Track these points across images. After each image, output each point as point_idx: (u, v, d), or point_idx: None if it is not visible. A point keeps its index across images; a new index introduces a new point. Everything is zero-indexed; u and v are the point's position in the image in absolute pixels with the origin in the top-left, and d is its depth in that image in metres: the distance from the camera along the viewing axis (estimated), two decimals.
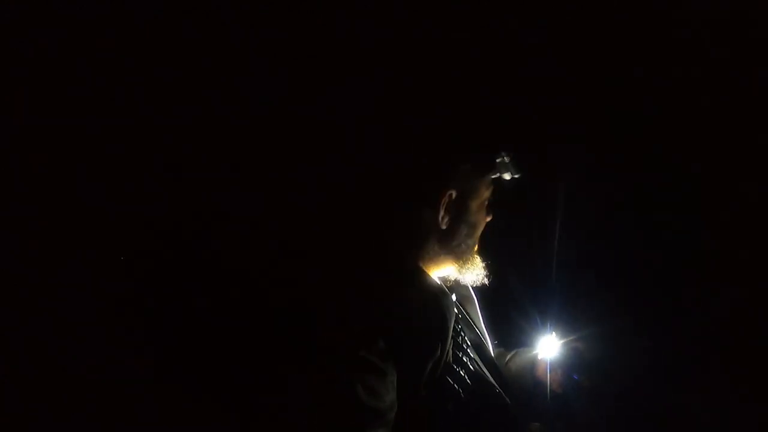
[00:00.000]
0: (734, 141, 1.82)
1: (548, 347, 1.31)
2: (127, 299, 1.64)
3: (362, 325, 0.99)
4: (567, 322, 1.38)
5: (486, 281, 1.24)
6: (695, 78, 1.82)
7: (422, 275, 1.15)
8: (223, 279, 1.63)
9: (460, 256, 1.19)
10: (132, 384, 1.51)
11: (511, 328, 1.49)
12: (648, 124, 1.87)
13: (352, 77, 1.76)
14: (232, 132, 1.78)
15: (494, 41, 1.82)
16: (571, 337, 1.32)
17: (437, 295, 1.11)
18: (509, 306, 1.52)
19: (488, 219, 1.21)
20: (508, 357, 1.42)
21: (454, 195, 1.13)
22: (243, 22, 1.77)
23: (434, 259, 1.18)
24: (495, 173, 1.19)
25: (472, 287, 1.32)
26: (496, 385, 1.18)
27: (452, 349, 1.10)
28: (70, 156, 1.70)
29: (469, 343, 1.20)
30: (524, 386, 1.32)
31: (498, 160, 1.18)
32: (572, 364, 1.29)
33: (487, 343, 1.31)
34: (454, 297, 1.22)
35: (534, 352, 1.35)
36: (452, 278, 1.22)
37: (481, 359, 1.21)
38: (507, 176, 1.20)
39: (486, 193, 1.19)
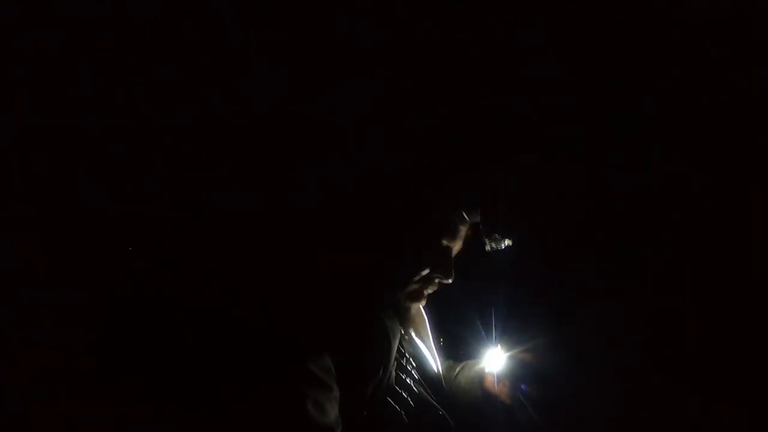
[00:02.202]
0: (734, 141, 1.82)
1: (495, 359, 1.32)
2: (127, 299, 1.64)
3: (311, 341, 1.00)
4: (513, 334, 1.39)
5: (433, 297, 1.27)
6: (695, 78, 1.82)
7: (373, 296, 1.17)
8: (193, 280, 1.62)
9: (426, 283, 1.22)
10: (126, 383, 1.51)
11: (460, 342, 1.49)
12: (648, 124, 1.87)
13: (351, 77, 1.76)
14: (232, 132, 1.78)
15: (494, 41, 1.82)
16: (518, 349, 1.34)
17: (382, 319, 1.13)
18: (455, 320, 1.52)
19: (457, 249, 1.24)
20: (456, 370, 1.43)
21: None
22: (243, 22, 1.77)
23: (395, 282, 1.20)
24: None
25: (423, 307, 1.35)
26: (440, 407, 1.20)
27: (396, 371, 1.12)
28: (70, 156, 1.70)
29: (414, 364, 1.22)
30: (474, 400, 1.32)
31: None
32: (519, 375, 1.29)
33: (436, 362, 1.34)
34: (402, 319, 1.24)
35: (481, 365, 1.36)
36: (404, 298, 1.23)
37: (426, 381, 1.23)
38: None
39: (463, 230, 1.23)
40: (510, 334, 1.39)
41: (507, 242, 1.26)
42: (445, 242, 1.19)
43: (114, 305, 1.62)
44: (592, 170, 1.91)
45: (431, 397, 1.22)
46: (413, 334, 1.36)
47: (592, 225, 1.86)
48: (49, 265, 1.63)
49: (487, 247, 1.26)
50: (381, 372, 1.07)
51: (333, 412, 0.97)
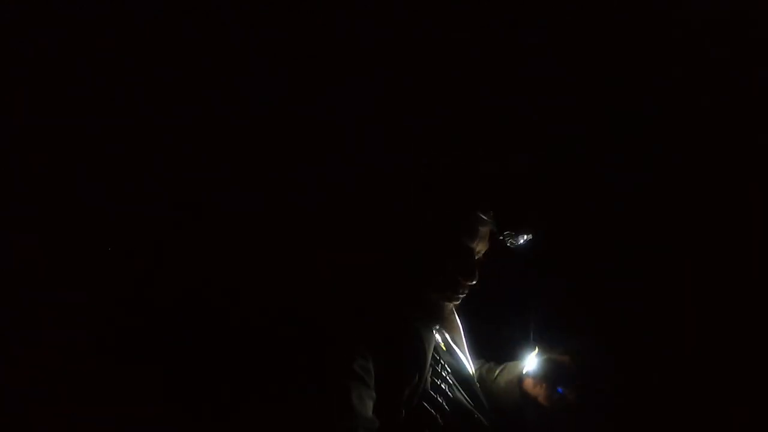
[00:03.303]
0: (734, 141, 1.82)
1: (533, 362, 1.35)
2: (126, 299, 1.64)
3: (357, 342, 1.05)
4: (551, 336, 1.41)
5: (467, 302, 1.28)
6: (695, 78, 1.82)
7: (405, 301, 1.20)
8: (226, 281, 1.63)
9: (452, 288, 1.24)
10: (130, 384, 1.51)
11: (499, 344, 1.51)
12: (648, 124, 1.88)
13: (352, 77, 1.76)
14: (232, 132, 1.78)
15: (494, 41, 1.82)
16: (555, 352, 1.36)
17: (419, 328, 1.16)
18: (493, 321, 1.55)
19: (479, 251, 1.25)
20: (496, 372, 1.46)
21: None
22: (243, 22, 1.77)
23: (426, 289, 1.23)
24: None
25: (457, 312, 1.38)
26: (475, 410, 1.23)
27: (431, 377, 1.17)
28: (70, 156, 1.70)
29: (449, 370, 1.27)
30: (513, 401, 1.36)
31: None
32: (556, 377, 1.32)
33: (471, 366, 1.37)
34: (437, 327, 1.29)
35: (520, 366, 1.38)
36: (437, 306, 1.26)
37: (461, 386, 1.26)
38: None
39: (482, 229, 1.24)
40: (549, 337, 1.40)
41: (524, 237, 1.26)
42: (465, 243, 1.20)
43: (115, 305, 1.62)
44: (592, 170, 1.92)
45: (467, 402, 1.25)
46: (448, 338, 1.39)
47: (619, 227, 1.86)
48: (49, 265, 1.63)
49: (507, 244, 1.27)
50: (416, 378, 1.11)
51: (371, 410, 1.01)
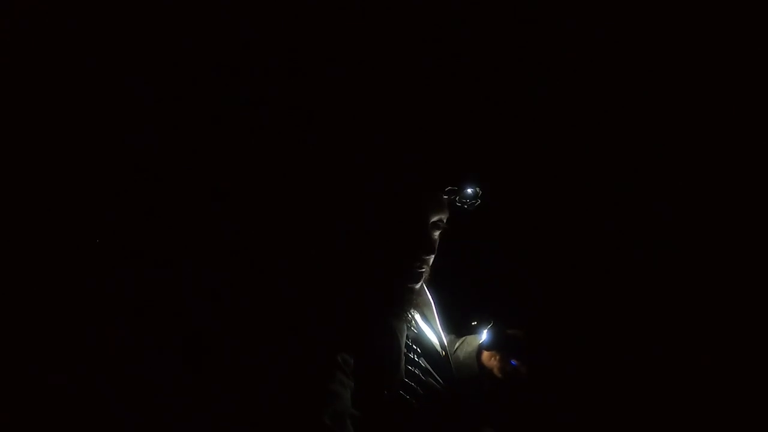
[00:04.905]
0: (734, 141, 1.82)
1: (489, 336, 1.41)
2: (127, 299, 1.64)
3: (339, 337, 1.11)
4: (508, 312, 1.47)
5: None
6: (695, 78, 1.82)
7: (384, 297, 1.25)
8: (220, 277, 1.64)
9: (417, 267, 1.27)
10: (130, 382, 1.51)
11: (462, 319, 1.56)
12: (647, 124, 1.88)
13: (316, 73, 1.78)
14: (232, 132, 1.79)
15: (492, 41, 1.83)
16: (510, 326, 1.42)
17: (389, 320, 1.22)
18: (455, 298, 1.59)
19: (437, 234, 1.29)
20: (457, 344, 1.52)
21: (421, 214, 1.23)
22: (243, 21, 1.77)
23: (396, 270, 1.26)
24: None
25: (429, 290, 1.43)
26: (447, 390, 1.30)
27: (405, 365, 1.22)
28: (70, 156, 1.70)
29: (420, 352, 1.32)
30: (473, 373, 1.43)
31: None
32: (510, 350, 1.38)
33: (443, 345, 1.42)
34: (409, 310, 1.34)
35: (479, 340, 1.44)
36: (404, 291, 1.29)
37: (432, 368, 1.31)
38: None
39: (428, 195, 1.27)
40: (504, 311, 1.46)
41: (471, 192, 1.28)
42: (415, 215, 1.22)
43: (119, 306, 1.63)
44: (592, 169, 1.92)
45: (438, 383, 1.29)
46: (419, 317, 1.41)
47: (586, 216, 1.90)
48: (49, 264, 1.63)
49: (458, 204, 1.30)
50: (392, 371, 1.16)
51: (348, 402, 1.06)
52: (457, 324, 1.56)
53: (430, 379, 1.27)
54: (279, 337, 1.14)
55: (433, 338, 1.41)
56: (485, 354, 1.43)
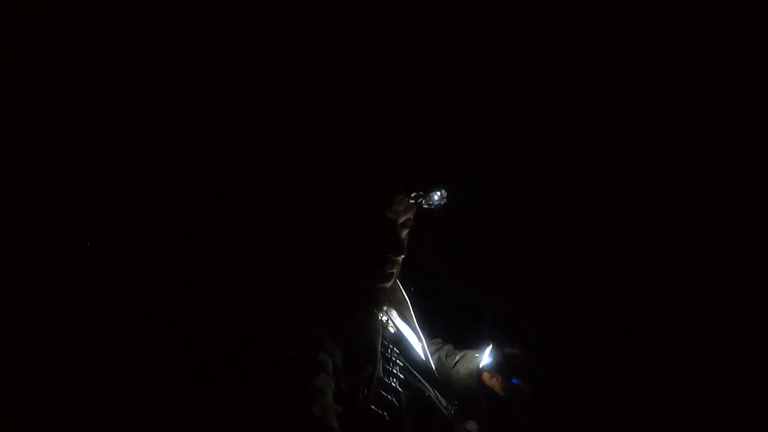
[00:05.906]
0: (734, 141, 1.82)
1: (488, 357, 1.43)
2: (127, 299, 1.64)
3: (320, 337, 1.14)
4: (508, 331, 1.49)
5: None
6: (695, 78, 1.82)
7: (357, 297, 1.28)
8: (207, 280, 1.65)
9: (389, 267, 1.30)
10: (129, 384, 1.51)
11: (449, 325, 1.63)
12: (647, 124, 1.88)
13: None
14: (232, 132, 1.79)
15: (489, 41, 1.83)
16: (508, 346, 1.44)
17: (364, 319, 1.26)
18: (453, 316, 1.65)
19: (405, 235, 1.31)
20: (456, 358, 1.54)
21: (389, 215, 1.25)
22: (242, 22, 1.77)
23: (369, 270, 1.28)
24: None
25: (404, 290, 1.46)
26: (427, 387, 1.32)
27: (383, 363, 1.25)
28: (69, 156, 1.70)
29: (397, 351, 1.34)
30: (472, 390, 1.44)
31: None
32: (510, 370, 1.40)
33: (421, 341, 1.45)
34: (385, 308, 1.38)
35: (478, 360, 1.46)
36: (376, 290, 1.32)
37: (411, 365, 1.34)
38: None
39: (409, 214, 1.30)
40: (502, 330, 1.48)
41: (437, 195, 1.29)
42: (382, 216, 1.24)
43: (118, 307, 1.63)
44: (591, 169, 1.92)
45: (418, 380, 1.31)
46: (396, 316, 1.44)
47: (586, 216, 1.91)
48: (49, 264, 1.63)
49: (425, 206, 1.31)
50: (369, 369, 1.18)
51: (332, 400, 1.09)
52: (440, 326, 1.59)
53: (409, 377, 1.29)
54: (265, 338, 1.17)
55: (412, 337, 1.44)
56: (486, 375, 1.43)
